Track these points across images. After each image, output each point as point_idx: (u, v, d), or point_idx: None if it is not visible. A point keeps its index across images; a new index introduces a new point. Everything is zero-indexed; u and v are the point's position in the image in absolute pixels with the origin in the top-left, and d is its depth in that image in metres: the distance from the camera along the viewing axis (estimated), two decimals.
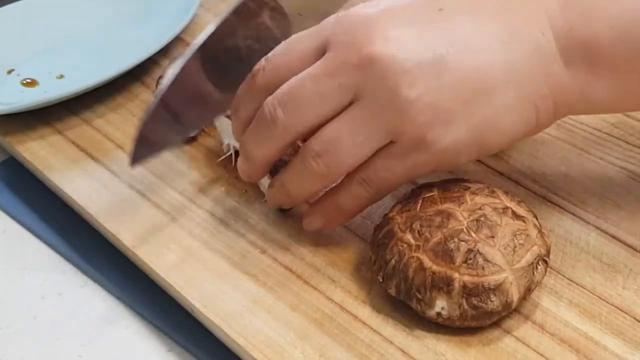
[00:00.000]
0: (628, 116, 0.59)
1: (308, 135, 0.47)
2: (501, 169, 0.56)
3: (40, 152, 0.60)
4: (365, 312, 0.47)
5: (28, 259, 0.56)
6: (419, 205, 0.47)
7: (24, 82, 0.68)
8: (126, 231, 0.53)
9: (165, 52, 0.67)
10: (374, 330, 0.46)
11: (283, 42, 0.48)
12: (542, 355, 0.44)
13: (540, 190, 0.54)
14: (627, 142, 0.57)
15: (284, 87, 0.46)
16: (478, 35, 0.45)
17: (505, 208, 0.46)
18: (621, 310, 0.46)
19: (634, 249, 0.50)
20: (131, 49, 0.62)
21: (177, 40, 0.71)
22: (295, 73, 0.46)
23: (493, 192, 0.47)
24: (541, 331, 0.45)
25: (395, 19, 0.45)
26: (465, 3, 0.46)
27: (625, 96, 0.48)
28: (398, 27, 0.45)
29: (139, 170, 0.58)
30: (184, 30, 0.71)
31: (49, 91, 0.61)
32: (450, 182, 0.48)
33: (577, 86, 0.46)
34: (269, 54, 0.48)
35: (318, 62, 0.46)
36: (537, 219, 0.47)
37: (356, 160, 0.46)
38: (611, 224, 0.51)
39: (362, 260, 0.50)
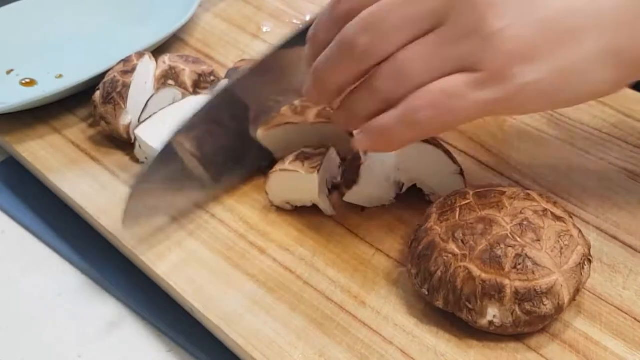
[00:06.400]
0: (628, 116, 0.59)
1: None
2: (501, 169, 0.56)
3: (39, 152, 0.60)
4: (365, 312, 0.47)
5: (28, 259, 0.56)
6: (457, 214, 0.46)
7: (23, 82, 0.68)
8: (126, 231, 0.53)
9: (163, 51, 0.67)
10: (374, 331, 0.46)
11: None
12: (542, 356, 0.44)
13: (540, 190, 0.54)
14: (627, 143, 0.57)
15: (367, 12, 0.45)
16: None
17: (545, 210, 0.46)
18: (621, 310, 0.46)
19: (634, 249, 0.50)
20: (130, 48, 0.62)
21: (177, 40, 0.71)
22: None
23: (529, 195, 0.47)
24: (541, 332, 0.45)
25: None
26: None
27: None
28: None
29: (139, 170, 0.58)
30: (183, 30, 0.71)
31: (48, 91, 0.61)
32: (483, 189, 0.48)
33: None
34: None
35: None
36: (572, 218, 0.47)
37: (424, 84, 0.44)
38: (611, 224, 0.51)
39: (363, 261, 0.50)
